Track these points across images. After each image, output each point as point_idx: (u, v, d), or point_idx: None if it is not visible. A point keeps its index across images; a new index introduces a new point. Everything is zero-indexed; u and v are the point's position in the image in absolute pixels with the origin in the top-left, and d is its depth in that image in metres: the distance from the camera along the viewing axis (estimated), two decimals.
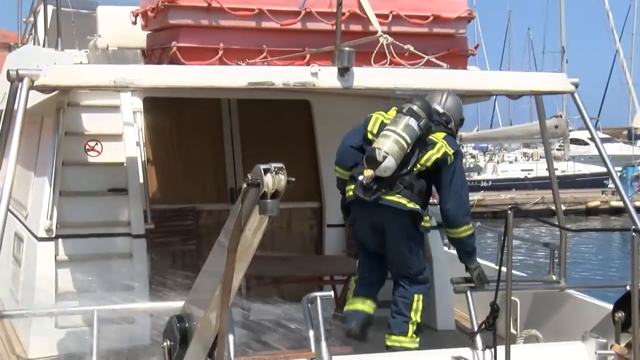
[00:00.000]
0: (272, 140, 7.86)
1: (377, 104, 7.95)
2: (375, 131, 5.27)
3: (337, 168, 5.47)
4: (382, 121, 5.33)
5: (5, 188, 4.59)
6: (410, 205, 5.16)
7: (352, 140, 5.38)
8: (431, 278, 7.42)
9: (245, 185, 2.96)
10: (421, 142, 5.13)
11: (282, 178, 2.91)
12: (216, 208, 7.77)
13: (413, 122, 5.08)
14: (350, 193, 5.20)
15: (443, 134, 5.31)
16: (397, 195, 5.10)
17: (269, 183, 2.88)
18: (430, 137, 5.21)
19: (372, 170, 4.99)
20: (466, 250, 5.39)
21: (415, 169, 5.15)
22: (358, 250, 5.54)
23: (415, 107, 5.16)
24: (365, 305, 5.37)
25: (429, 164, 5.16)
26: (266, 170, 2.89)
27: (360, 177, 5.03)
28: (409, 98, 5.29)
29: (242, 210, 3.01)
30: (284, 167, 2.92)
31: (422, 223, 5.27)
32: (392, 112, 5.39)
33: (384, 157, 5.00)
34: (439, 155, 5.16)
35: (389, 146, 5.03)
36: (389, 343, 5.30)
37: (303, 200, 7.82)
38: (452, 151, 5.23)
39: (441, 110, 5.47)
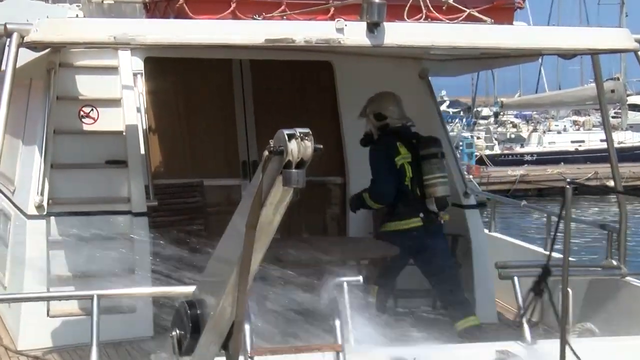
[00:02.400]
0: (289, 107, 7.88)
1: (407, 65, 8.00)
2: (411, 175, 6.88)
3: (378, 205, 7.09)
4: (409, 162, 6.91)
5: None
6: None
7: (391, 183, 6.89)
8: (470, 263, 7.49)
9: (266, 153, 2.96)
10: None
11: (309, 145, 2.90)
12: (226, 183, 7.81)
13: (442, 160, 6.98)
14: (414, 225, 6.87)
15: None
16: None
17: (293, 150, 2.88)
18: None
19: (445, 212, 6.94)
20: None
21: None
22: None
23: (435, 150, 6.95)
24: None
25: None
26: (290, 136, 2.89)
27: (441, 220, 6.96)
28: (425, 143, 6.98)
29: (263, 181, 3.02)
30: (310, 133, 2.92)
31: None
32: (403, 149, 6.92)
33: (448, 198, 6.94)
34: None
35: (445, 189, 6.91)
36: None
37: (324, 175, 7.85)
38: None
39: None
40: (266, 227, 3.20)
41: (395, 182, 6.85)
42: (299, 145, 2.91)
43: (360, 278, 4.87)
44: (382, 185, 6.92)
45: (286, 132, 2.91)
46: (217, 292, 3.54)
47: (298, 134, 2.91)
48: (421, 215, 6.85)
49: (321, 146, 2.95)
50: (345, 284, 4.64)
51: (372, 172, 7.02)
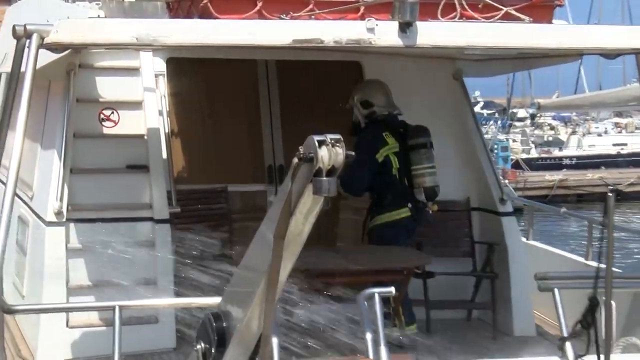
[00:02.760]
0: (317, 109, 7.89)
1: (441, 66, 7.99)
2: (398, 165, 7.17)
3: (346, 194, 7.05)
4: (395, 152, 7.18)
5: (12, 165, 4.68)
6: None
7: (364, 176, 7.08)
8: (506, 274, 7.46)
9: (295, 160, 2.97)
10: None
11: (340, 152, 2.90)
12: (252, 189, 7.85)
13: (431, 150, 7.21)
14: (404, 215, 7.13)
15: None
16: None
17: (324, 157, 2.88)
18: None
19: (434, 203, 7.23)
20: None
21: None
22: None
23: (424, 140, 7.19)
24: None
25: None
26: (321, 143, 2.89)
27: (430, 210, 7.24)
28: (413, 132, 7.23)
29: (292, 189, 3.03)
30: (341, 139, 2.92)
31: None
32: (391, 139, 7.17)
33: (436, 188, 7.20)
34: None
35: (434, 179, 7.18)
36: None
37: None
38: None
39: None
40: (295, 237, 3.21)
41: (371, 176, 7.08)
42: (330, 151, 2.92)
43: (393, 289, 4.87)
44: (355, 176, 7.03)
45: (316, 138, 2.92)
46: (244, 303, 3.56)
47: (329, 140, 2.92)
48: (409, 205, 7.14)
49: (353, 153, 2.95)
50: (377, 295, 4.64)
51: None
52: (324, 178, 2.92)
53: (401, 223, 7.15)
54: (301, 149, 2.95)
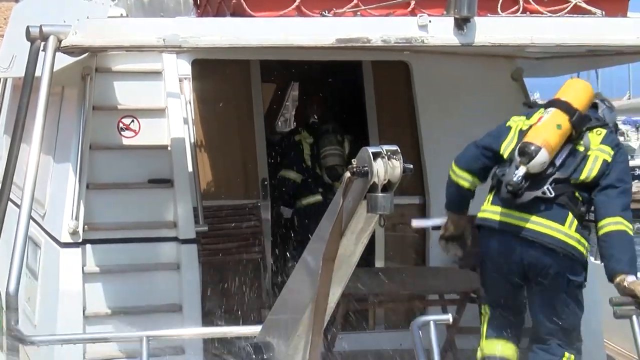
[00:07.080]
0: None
1: (500, 65, 8.00)
2: (310, 152, 8.02)
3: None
4: (310, 143, 7.99)
5: (27, 184, 4.74)
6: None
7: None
8: None
9: (348, 174, 3.03)
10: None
11: (397, 165, 2.96)
12: None
13: (335, 135, 8.02)
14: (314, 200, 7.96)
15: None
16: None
17: (379, 171, 2.93)
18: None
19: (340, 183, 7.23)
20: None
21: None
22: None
23: (327, 126, 7.88)
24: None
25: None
26: (376, 155, 2.95)
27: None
28: (320, 121, 8.11)
29: (344, 206, 3.08)
30: (398, 151, 2.97)
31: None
32: (305, 132, 7.96)
33: (338, 167, 7.82)
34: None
35: (334, 159, 7.89)
36: None
37: (400, 194, 7.84)
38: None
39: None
40: (346, 259, 3.26)
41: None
42: (386, 165, 2.97)
43: (450, 316, 4.90)
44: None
45: (371, 150, 2.97)
46: (287, 333, 3.62)
47: (385, 152, 2.97)
48: (320, 190, 7.94)
49: (411, 166, 3.01)
50: (432, 323, 4.67)
51: None
52: (380, 194, 2.97)
53: (314, 208, 7.76)
54: (354, 162, 3.00)
